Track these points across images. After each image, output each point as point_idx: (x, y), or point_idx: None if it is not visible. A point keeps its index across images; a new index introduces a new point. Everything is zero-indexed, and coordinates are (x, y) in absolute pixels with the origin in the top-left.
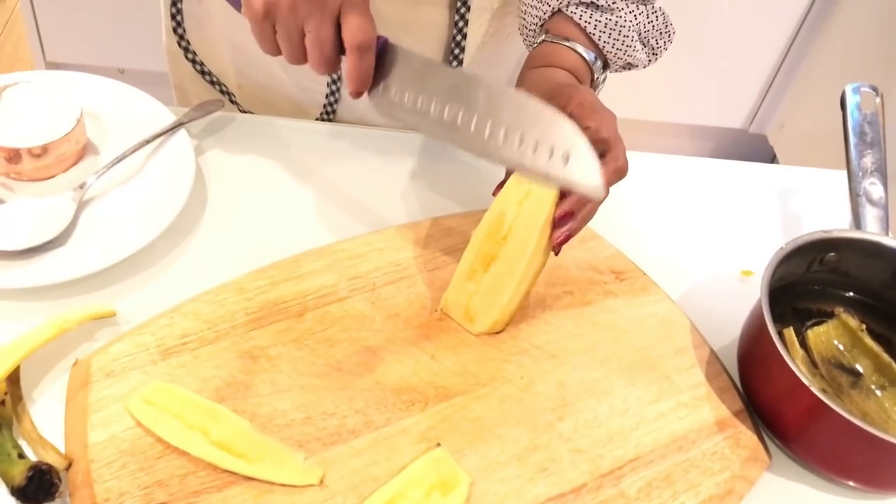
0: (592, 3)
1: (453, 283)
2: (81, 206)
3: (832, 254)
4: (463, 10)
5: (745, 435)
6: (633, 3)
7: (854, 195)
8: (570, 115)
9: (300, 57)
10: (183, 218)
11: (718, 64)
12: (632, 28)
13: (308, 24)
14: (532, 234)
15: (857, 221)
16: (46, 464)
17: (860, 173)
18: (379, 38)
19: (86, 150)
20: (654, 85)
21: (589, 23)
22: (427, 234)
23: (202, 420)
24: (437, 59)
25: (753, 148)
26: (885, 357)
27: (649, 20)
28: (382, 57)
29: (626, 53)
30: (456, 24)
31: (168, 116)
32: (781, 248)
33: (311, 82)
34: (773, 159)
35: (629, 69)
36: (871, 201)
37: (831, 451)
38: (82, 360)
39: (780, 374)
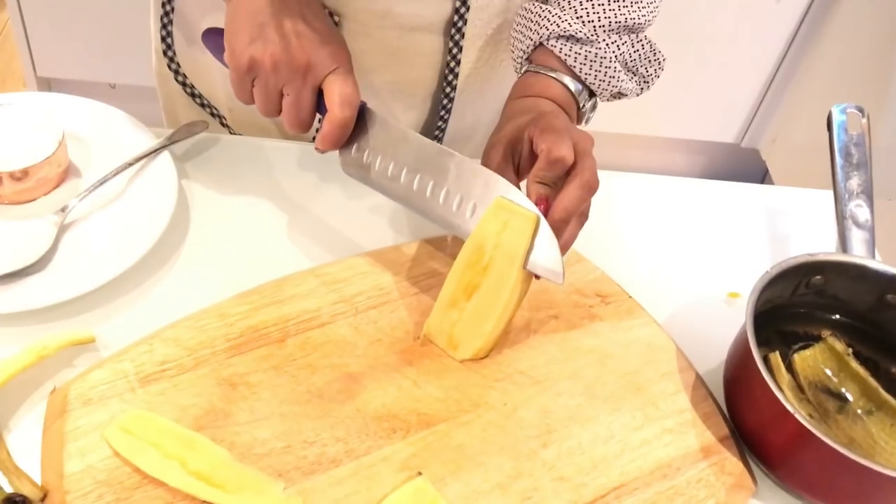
0: (572, 36)
1: (436, 310)
2: (62, 229)
3: (818, 277)
4: (458, 37)
5: (731, 462)
6: (615, 33)
7: (840, 217)
8: (530, 140)
9: (274, 112)
10: (165, 242)
11: (710, 78)
12: (614, 59)
13: (288, 87)
14: (512, 264)
15: (844, 244)
16: (21, 495)
17: (846, 195)
18: None
19: (67, 172)
20: (646, 99)
21: (569, 55)
22: (412, 257)
23: (180, 449)
24: (431, 86)
25: (746, 162)
26: (872, 382)
27: (634, 49)
28: (359, 119)
29: (611, 84)
30: (450, 50)
31: (151, 138)
32: (767, 271)
33: None
34: (765, 174)
35: (619, 98)
36: (857, 224)
37: (817, 478)
38: (60, 387)
39: (766, 401)
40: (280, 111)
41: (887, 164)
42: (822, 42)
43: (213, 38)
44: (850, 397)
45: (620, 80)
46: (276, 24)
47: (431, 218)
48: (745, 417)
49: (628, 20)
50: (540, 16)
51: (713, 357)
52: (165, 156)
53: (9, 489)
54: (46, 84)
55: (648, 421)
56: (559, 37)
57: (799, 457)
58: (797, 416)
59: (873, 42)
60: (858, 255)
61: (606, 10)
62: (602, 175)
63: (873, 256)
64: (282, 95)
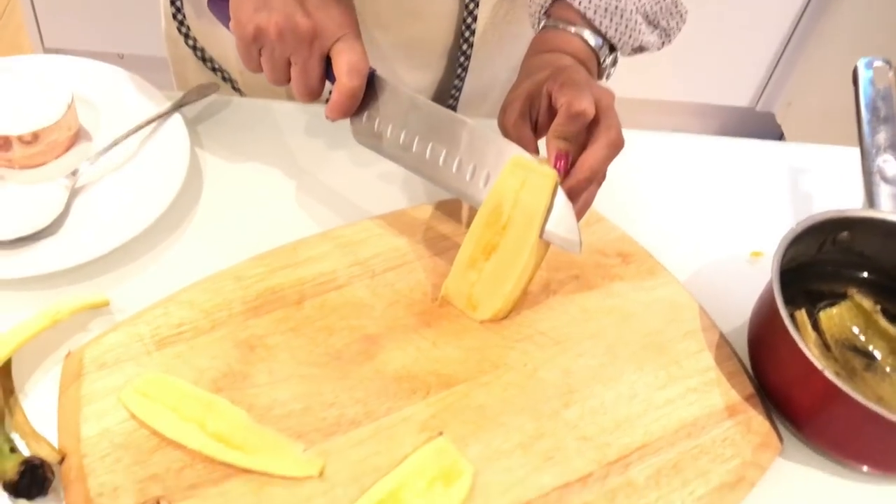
0: None
1: (454, 271)
2: (74, 193)
3: (845, 233)
4: None
5: (757, 420)
6: None
7: (867, 173)
8: (549, 94)
9: (282, 81)
10: (178, 205)
11: (724, 40)
12: (634, 11)
13: (296, 55)
14: (531, 223)
15: (871, 200)
16: (39, 458)
17: (873, 150)
18: None
19: (78, 136)
20: (659, 63)
21: (588, 8)
22: (429, 218)
23: (198, 411)
24: (447, 44)
25: (760, 126)
26: None
27: (656, 2)
28: (369, 86)
29: (632, 37)
30: (466, 6)
31: (162, 101)
32: (792, 228)
33: None
34: (780, 138)
35: (641, 52)
36: (885, 179)
37: (845, 435)
38: (75, 351)
39: (792, 358)
40: (289, 80)
41: None
42: (841, 1)
43: (219, 5)
44: (877, 355)
45: (642, 32)
46: None
47: (444, 187)
48: (771, 376)
49: None
50: None
51: (737, 317)
52: (177, 118)
53: (27, 453)
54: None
55: (672, 380)
56: None
57: (827, 415)
58: (826, 373)
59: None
60: (887, 210)
61: None
62: (623, 132)
63: None
64: (289, 64)
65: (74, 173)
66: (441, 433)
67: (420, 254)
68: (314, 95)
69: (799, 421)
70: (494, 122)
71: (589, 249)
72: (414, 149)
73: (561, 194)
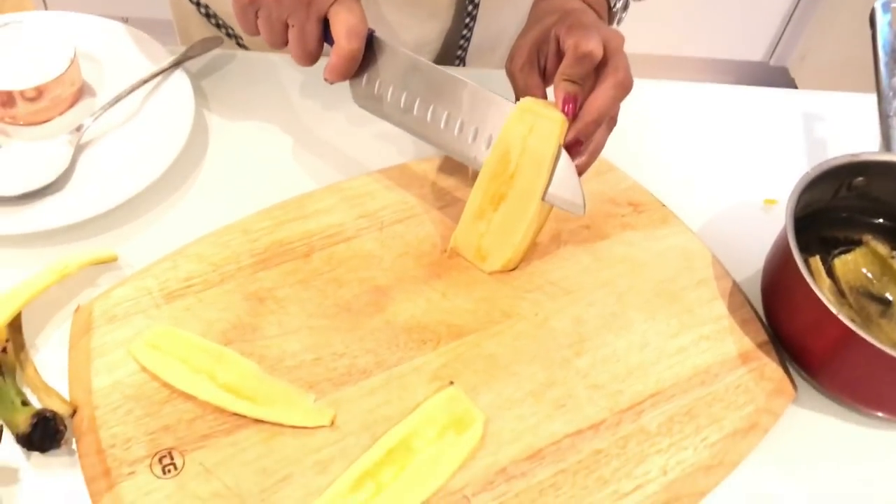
0: None
1: (462, 223)
2: (79, 149)
3: (860, 178)
4: None
5: (770, 367)
6: None
7: (884, 116)
8: (556, 38)
9: (280, 44)
10: (183, 159)
11: None
12: None
13: (293, 18)
14: (540, 170)
15: (888, 143)
16: (51, 411)
17: (891, 93)
18: None
19: (82, 92)
20: (671, 18)
21: None
22: (436, 170)
23: (209, 363)
24: None
25: (774, 81)
26: None
27: None
28: (368, 48)
29: None
30: None
31: (166, 56)
32: (807, 173)
33: None
34: None
35: None
36: None
37: (861, 381)
38: (84, 305)
39: (807, 304)
40: (286, 42)
41: None
42: None
43: None
44: (893, 301)
45: None
46: None
47: (447, 150)
48: (785, 323)
49: None
50: None
51: (750, 265)
52: (180, 73)
53: (38, 406)
54: None
55: (684, 328)
56: None
57: (841, 361)
58: (841, 317)
59: None
60: None
61: None
62: (634, 82)
63: None
64: (287, 27)
65: (79, 129)
66: (452, 382)
67: (428, 205)
68: (312, 58)
69: (813, 367)
70: (503, 73)
71: (600, 199)
72: (415, 111)
73: (564, 156)
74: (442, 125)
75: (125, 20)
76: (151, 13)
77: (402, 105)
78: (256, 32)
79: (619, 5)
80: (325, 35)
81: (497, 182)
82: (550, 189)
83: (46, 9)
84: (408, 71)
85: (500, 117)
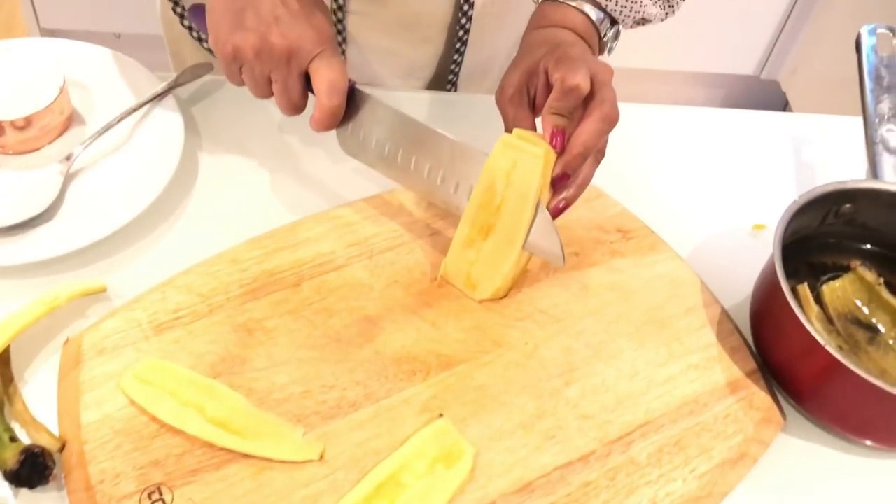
0: None
1: (452, 252)
2: (68, 178)
3: (848, 205)
4: None
5: (759, 396)
6: None
7: (870, 143)
8: (545, 71)
9: (265, 96)
10: (174, 188)
11: (728, 8)
12: None
13: (275, 73)
14: (526, 203)
15: (874, 170)
16: (39, 446)
17: (876, 119)
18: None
19: (71, 120)
20: (662, 32)
21: None
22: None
23: (197, 397)
24: (447, 18)
25: (765, 94)
26: None
27: None
28: (350, 99)
29: (633, 10)
30: None
31: (156, 82)
32: (795, 200)
33: None
34: (785, 105)
35: (643, 24)
36: (888, 149)
37: (848, 410)
38: (73, 338)
39: (795, 333)
40: (271, 94)
41: None
42: None
43: (200, 15)
44: (881, 328)
45: (643, 5)
46: (254, 10)
47: (432, 198)
48: (774, 351)
49: None
50: None
51: (739, 291)
52: (170, 100)
53: (27, 441)
54: (50, 35)
55: (673, 357)
56: None
57: (829, 389)
58: (828, 347)
59: None
60: (890, 181)
61: None
62: (621, 107)
63: None
64: (270, 81)
65: (69, 158)
66: (441, 415)
67: (419, 233)
68: (298, 110)
69: (801, 396)
70: (493, 99)
71: (588, 225)
72: (399, 161)
73: (543, 211)
74: (425, 175)
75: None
76: (144, 29)
77: (385, 154)
78: (242, 84)
79: (609, 35)
80: (309, 86)
81: (485, 213)
82: (530, 238)
83: (38, 24)
84: (390, 123)
85: (480, 172)
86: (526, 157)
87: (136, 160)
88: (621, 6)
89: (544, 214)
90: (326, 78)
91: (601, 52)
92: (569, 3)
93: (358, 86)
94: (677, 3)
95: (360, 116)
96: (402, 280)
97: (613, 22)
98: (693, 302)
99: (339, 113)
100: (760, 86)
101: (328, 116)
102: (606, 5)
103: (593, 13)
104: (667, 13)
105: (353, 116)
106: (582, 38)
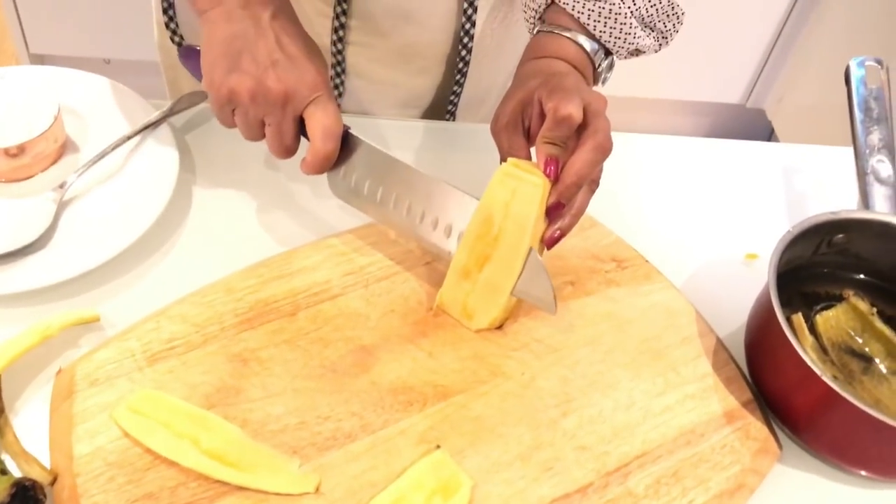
0: None
1: (448, 282)
2: (62, 206)
3: (840, 235)
4: None
5: (755, 426)
6: None
7: (861, 174)
8: (539, 100)
9: (257, 139)
10: (167, 216)
11: (714, 37)
12: (629, 15)
13: (269, 117)
14: (523, 234)
15: (866, 201)
16: (30, 479)
17: (867, 150)
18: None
19: (65, 148)
20: (649, 61)
21: (582, 13)
22: None
23: (192, 428)
24: (446, 49)
25: (751, 123)
26: None
27: (651, 4)
28: (344, 143)
29: (627, 41)
30: (465, 11)
31: (150, 110)
32: (788, 231)
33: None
34: (771, 134)
35: (637, 55)
36: (879, 180)
37: (843, 440)
38: (66, 368)
39: (790, 363)
40: (263, 137)
41: None
42: None
43: (192, 58)
44: (875, 358)
45: (637, 36)
46: (251, 53)
47: (424, 244)
48: (769, 381)
49: None
50: None
51: (733, 320)
52: (165, 128)
53: (18, 473)
54: (40, 61)
55: (670, 387)
56: None
57: (825, 419)
58: (823, 377)
59: None
60: (882, 211)
61: None
62: (614, 137)
63: None
64: (263, 124)
65: (62, 186)
66: (438, 446)
67: (414, 262)
68: (290, 153)
69: (797, 426)
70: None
71: (584, 255)
72: (391, 206)
73: (534, 255)
74: (418, 220)
75: (107, 62)
76: (134, 55)
77: (378, 199)
78: (233, 126)
79: (603, 65)
80: (303, 130)
81: (482, 243)
82: (522, 286)
83: (28, 49)
84: (383, 168)
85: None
86: (525, 186)
87: (130, 188)
88: (615, 37)
89: (536, 260)
90: (322, 123)
91: (595, 82)
92: (563, 34)
93: (352, 130)
94: (671, 34)
95: (352, 161)
96: (399, 309)
97: (608, 53)
98: (688, 332)
99: (333, 158)
100: (746, 114)
101: (321, 160)
102: (600, 36)
103: (587, 44)
104: (660, 44)
105: (346, 161)
106: (576, 68)
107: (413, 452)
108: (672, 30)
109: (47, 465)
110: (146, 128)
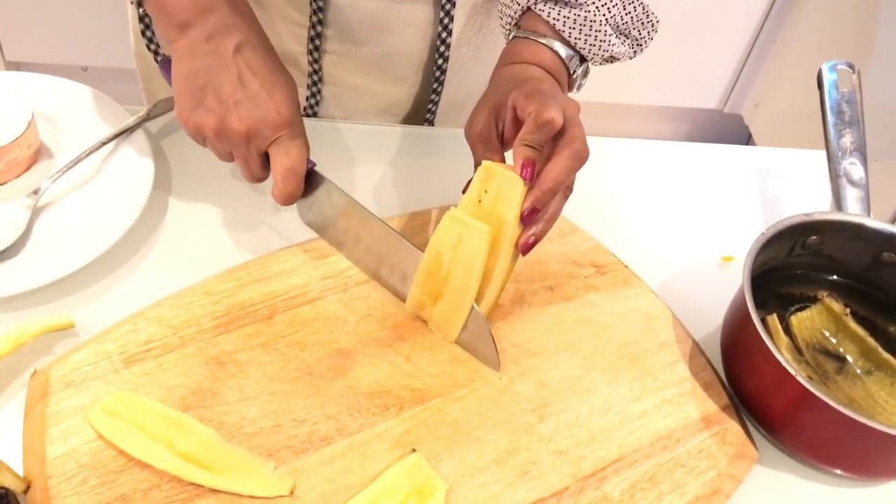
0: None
1: (412, 296)
2: (36, 212)
3: (814, 237)
4: (448, 6)
5: (732, 431)
6: None
7: (834, 176)
8: (514, 106)
9: (229, 161)
10: (143, 222)
11: (691, 43)
12: (604, 22)
13: (236, 151)
14: (471, 276)
15: (839, 203)
16: (3, 488)
17: (839, 153)
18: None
19: (39, 154)
20: (627, 67)
21: (557, 20)
22: (402, 229)
23: (167, 430)
24: (423, 57)
25: (729, 128)
26: (871, 341)
27: (626, 12)
28: (309, 178)
29: (602, 48)
30: (441, 20)
31: (125, 116)
32: (762, 233)
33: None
34: (748, 139)
35: (612, 62)
36: (851, 182)
37: (819, 439)
38: (41, 370)
39: (766, 364)
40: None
41: (872, 124)
42: (805, 3)
43: (170, 70)
44: (849, 358)
45: (612, 43)
46: (213, 90)
47: (377, 279)
48: (745, 382)
49: None
50: None
51: (709, 322)
52: (140, 134)
53: None
54: (16, 68)
55: (647, 392)
56: (547, 0)
57: (801, 419)
58: (798, 377)
59: (857, 2)
60: (854, 213)
61: None
62: (590, 141)
63: (869, 215)
64: (231, 155)
65: (36, 192)
66: (414, 450)
67: None
68: (259, 181)
69: (773, 426)
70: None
71: (563, 260)
72: (351, 244)
73: (476, 313)
74: (377, 261)
75: (84, 69)
76: (110, 62)
77: (339, 237)
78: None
79: (578, 72)
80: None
81: (433, 280)
82: (464, 337)
83: (3, 56)
84: (343, 208)
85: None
86: (471, 232)
87: (104, 194)
88: (590, 44)
89: (478, 318)
90: (282, 165)
91: (570, 88)
92: (539, 40)
93: (317, 168)
94: (645, 42)
95: (317, 195)
96: (377, 314)
97: (583, 59)
98: (666, 337)
99: (296, 195)
100: (724, 119)
101: (284, 198)
102: (575, 43)
103: (563, 50)
104: (635, 52)
105: (311, 193)
106: (551, 74)
107: (389, 456)
108: (647, 37)
109: (20, 472)
110: (121, 133)
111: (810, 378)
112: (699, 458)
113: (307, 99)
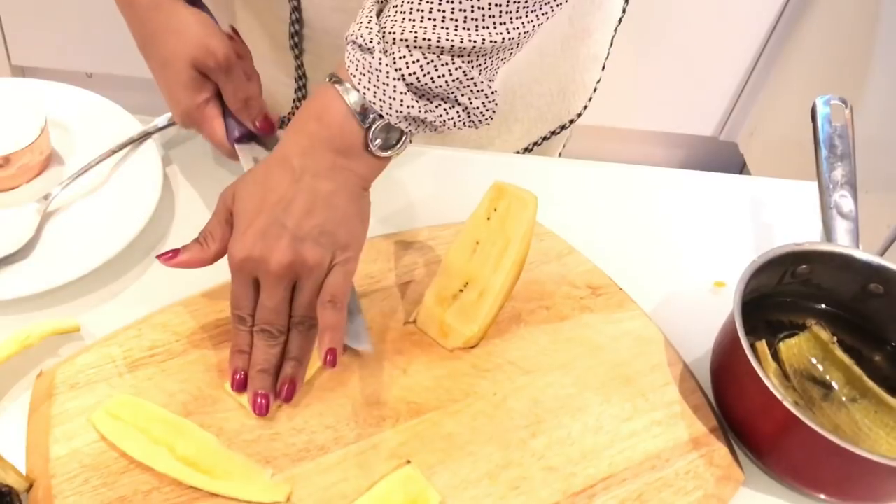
0: (354, 41)
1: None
2: (45, 217)
3: (804, 266)
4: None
5: (720, 453)
6: (404, 46)
7: (825, 208)
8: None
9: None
10: (150, 229)
11: (689, 71)
12: (398, 78)
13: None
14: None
15: (828, 234)
16: (6, 486)
17: (830, 186)
18: None
19: (50, 160)
20: (624, 92)
21: (352, 62)
22: (402, 245)
23: (168, 435)
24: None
25: (724, 156)
26: (856, 370)
27: (440, 74)
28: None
29: (393, 106)
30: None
31: (135, 126)
32: (754, 260)
33: (278, 84)
34: (743, 167)
35: (439, 130)
36: (841, 214)
37: (804, 464)
38: (47, 371)
39: (754, 388)
40: None
41: (863, 157)
42: (801, 35)
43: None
44: (835, 385)
45: (405, 103)
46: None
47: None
48: (733, 405)
49: (442, 39)
50: (362, 9)
51: (700, 346)
52: (150, 142)
53: None
54: (21, 73)
55: (638, 412)
56: (351, 40)
57: (786, 443)
58: (785, 402)
59: (852, 35)
60: (843, 244)
61: (413, 22)
62: (591, 166)
63: (857, 247)
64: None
65: (46, 197)
66: (409, 461)
67: (393, 280)
68: None
69: (759, 450)
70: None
71: (560, 281)
72: None
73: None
74: None
75: (89, 76)
76: (115, 70)
77: None
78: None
79: (375, 129)
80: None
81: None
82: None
83: (10, 61)
84: None
85: None
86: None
87: (113, 201)
88: (379, 98)
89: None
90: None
91: (368, 145)
92: (336, 86)
93: None
94: (479, 112)
95: None
96: (376, 326)
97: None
98: (658, 359)
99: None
100: (719, 147)
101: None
102: (364, 93)
103: (354, 96)
104: (473, 122)
105: None
106: (333, 134)
107: (384, 467)
108: (481, 108)
109: (24, 471)
110: (131, 142)
111: (797, 403)
112: (687, 479)
113: (295, 92)
